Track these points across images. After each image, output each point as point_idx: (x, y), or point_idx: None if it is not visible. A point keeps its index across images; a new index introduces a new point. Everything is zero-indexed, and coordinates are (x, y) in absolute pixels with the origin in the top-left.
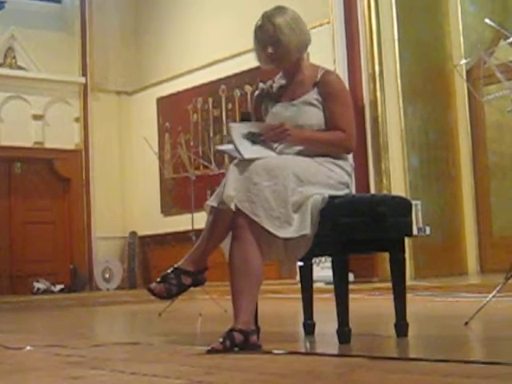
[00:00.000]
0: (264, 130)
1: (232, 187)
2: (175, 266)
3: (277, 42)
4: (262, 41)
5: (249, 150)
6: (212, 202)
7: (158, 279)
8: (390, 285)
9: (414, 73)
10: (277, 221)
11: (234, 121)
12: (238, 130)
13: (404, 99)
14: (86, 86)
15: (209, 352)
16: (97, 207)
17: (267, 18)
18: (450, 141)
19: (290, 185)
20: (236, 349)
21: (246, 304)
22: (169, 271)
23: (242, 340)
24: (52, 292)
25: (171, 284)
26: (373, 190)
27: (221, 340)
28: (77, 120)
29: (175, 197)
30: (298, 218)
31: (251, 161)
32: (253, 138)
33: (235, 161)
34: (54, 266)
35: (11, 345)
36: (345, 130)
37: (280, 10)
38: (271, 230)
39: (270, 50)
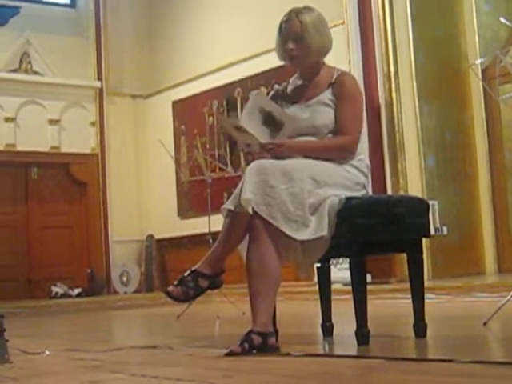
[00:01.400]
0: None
1: (249, 190)
2: (192, 268)
3: (300, 39)
4: (285, 35)
5: (250, 122)
6: (229, 205)
7: (175, 282)
8: (408, 285)
9: (429, 72)
10: (294, 223)
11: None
12: (260, 101)
13: (419, 99)
14: (101, 90)
15: (227, 355)
16: (113, 211)
17: (295, 13)
18: (466, 140)
19: (306, 187)
20: (254, 351)
21: (263, 306)
22: (186, 274)
23: (260, 342)
24: (70, 296)
25: (188, 287)
26: (389, 191)
27: (239, 343)
28: (93, 124)
29: (192, 200)
30: (315, 219)
31: (268, 164)
32: (268, 118)
33: (251, 164)
34: (71, 270)
35: (30, 349)
36: (348, 132)
37: (308, 9)
38: (288, 232)
39: (290, 45)
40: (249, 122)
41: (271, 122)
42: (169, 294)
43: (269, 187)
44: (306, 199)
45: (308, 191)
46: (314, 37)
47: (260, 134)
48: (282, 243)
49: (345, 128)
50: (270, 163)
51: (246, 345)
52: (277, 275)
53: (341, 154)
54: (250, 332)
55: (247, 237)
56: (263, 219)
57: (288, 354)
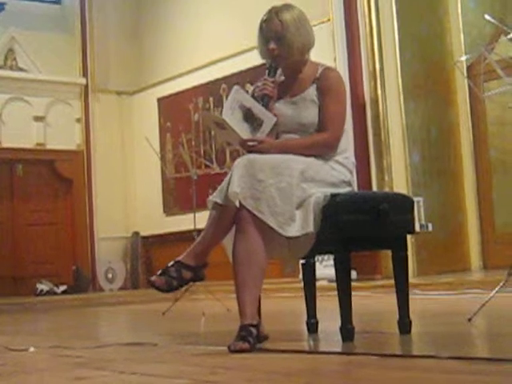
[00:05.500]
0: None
1: (237, 184)
2: (176, 259)
3: (281, 38)
4: (266, 35)
5: (232, 117)
6: (215, 198)
7: (159, 272)
8: (392, 282)
9: (414, 70)
10: (281, 217)
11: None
12: (239, 96)
13: (405, 96)
14: (86, 86)
15: (235, 351)
16: (99, 208)
17: (275, 13)
18: (451, 137)
19: (293, 181)
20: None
21: (249, 297)
22: (170, 264)
23: (256, 333)
24: (55, 293)
25: (172, 277)
26: (375, 188)
27: (242, 338)
28: (78, 121)
29: (177, 196)
30: (300, 214)
31: (256, 158)
32: (247, 115)
33: (240, 158)
34: (56, 267)
35: (14, 346)
36: (329, 129)
37: (288, 7)
38: (275, 227)
39: (272, 45)
40: (231, 116)
41: (251, 119)
42: (152, 284)
43: (257, 181)
44: (293, 194)
45: (295, 185)
46: (295, 35)
47: (241, 129)
48: (267, 238)
49: (326, 124)
50: (258, 157)
51: (251, 339)
52: (263, 266)
53: (321, 150)
54: (247, 326)
55: (232, 232)
56: (250, 212)
57: (273, 351)
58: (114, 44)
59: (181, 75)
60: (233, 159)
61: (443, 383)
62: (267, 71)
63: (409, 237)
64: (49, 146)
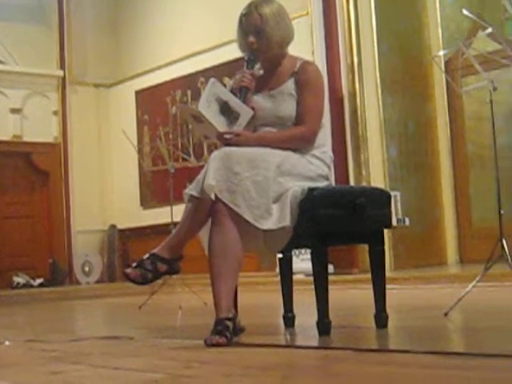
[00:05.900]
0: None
1: (212, 176)
2: (151, 252)
3: (260, 32)
4: (245, 29)
5: (209, 110)
6: (191, 190)
7: (134, 264)
8: (369, 276)
9: (392, 64)
10: (257, 210)
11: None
12: (216, 89)
13: (383, 90)
14: (64, 79)
15: (212, 346)
16: (76, 201)
17: (255, 6)
18: (428, 132)
19: (270, 175)
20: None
21: (225, 289)
22: (145, 257)
23: (232, 326)
24: (31, 286)
25: (147, 270)
26: (352, 182)
27: (218, 332)
28: (55, 113)
29: (154, 190)
30: (277, 208)
31: (233, 151)
32: (224, 108)
33: (216, 151)
34: (33, 260)
35: None
36: (306, 122)
37: (268, 1)
38: (251, 220)
39: (251, 38)
40: (207, 109)
41: (228, 112)
42: (127, 276)
43: (233, 174)
44: (269, 187)
45: (272, 179)
46: (274, 29)
47: (217, 122)
48: (243, 231)
49: (303, 117)
50: (234, 150)
51: (227, 333)
52: (239, 258)
53: (298, 144)
54: (223, 319)
55: (208, 224)
56: (226, 204)
57: (249, 345)
58: (92, 36)
59: (159, 68)
60: (210, 152)
61: (420, 378)
62: (246, 64)
63: (386, 231)
64: (25, 139)
